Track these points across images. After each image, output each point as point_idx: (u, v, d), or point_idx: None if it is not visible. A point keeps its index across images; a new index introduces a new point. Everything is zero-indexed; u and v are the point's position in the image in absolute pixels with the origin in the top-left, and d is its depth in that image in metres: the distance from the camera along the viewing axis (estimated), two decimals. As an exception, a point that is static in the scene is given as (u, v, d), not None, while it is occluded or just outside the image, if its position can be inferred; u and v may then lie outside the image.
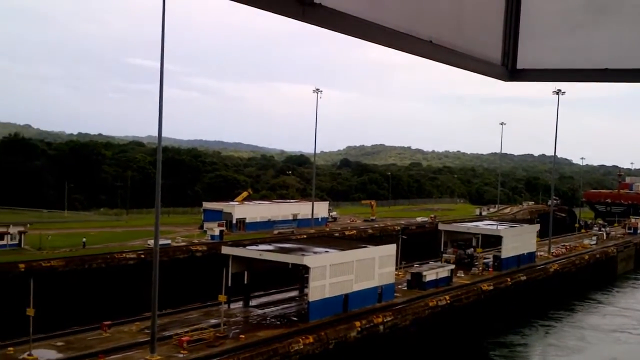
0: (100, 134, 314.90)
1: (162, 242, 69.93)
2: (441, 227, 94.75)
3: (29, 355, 43.40)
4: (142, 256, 76.07)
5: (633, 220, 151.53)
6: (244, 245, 66.15)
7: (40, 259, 71.56)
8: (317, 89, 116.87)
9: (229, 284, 57.55)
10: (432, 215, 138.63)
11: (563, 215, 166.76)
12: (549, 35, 4.47)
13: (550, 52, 4.47)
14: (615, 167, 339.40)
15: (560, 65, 4.41)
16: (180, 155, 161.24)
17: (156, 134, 50.47)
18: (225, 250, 61.04)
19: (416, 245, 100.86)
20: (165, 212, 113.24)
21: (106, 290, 68.84)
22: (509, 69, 4.54)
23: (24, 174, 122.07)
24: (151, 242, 66.61)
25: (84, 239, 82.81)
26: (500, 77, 4.52)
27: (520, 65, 4.54)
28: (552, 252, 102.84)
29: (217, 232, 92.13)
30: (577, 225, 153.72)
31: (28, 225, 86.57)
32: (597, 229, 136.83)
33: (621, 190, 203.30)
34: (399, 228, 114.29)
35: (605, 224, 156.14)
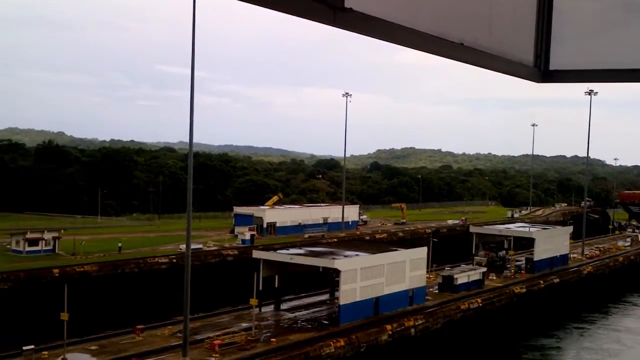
0: (132, 141, 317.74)
1: (193, 246, 70.32)
2: (472, 229, 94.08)
3: (62, 358, 43.93)
4: (174, 260, 76.58)
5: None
6: (275, 249, 66.24)
7: (74, 264, 72.37)
8: (347, 93, 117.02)
9: (260, 288, 57.79)
10: (463, 218, 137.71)
11: (596, 216, 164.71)
12: (581, 35, 4.44)
13: (582, 52, 4.44)
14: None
15: (593, 65, 4.38)
16: (211, 160, 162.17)
17: (187, 140, 50.85)
18: (256, 254, 61.24)
19: (447, 248, 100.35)
20: (197, 216, 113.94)
21: (139, 295, 69.40)
22: (542, 70, 4.52)
23: (58, 181, 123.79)
24: (183, 246, 67.07)
25: (120, 244, 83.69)
26: (532, 78, 4.50)
27: (552, 66, 4.52)
28: (586, 254, 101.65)
29: (248, 237, 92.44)
30: (610, 226, 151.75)
31: (62, 231, 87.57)
32: (630, 230, 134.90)
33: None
34: (429, 231, 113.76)
35: (639, 226, 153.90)
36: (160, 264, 77.00)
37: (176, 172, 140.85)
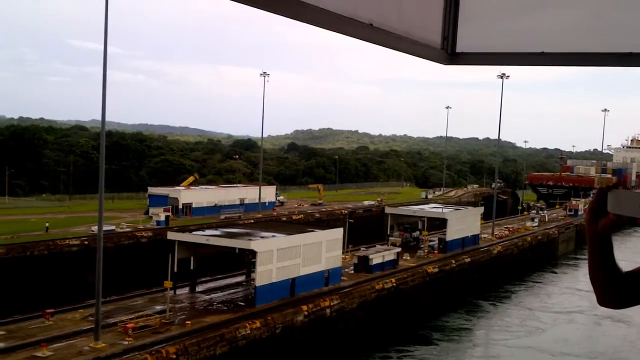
0: (42, 118, 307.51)
1: (106, 228, 68.87)
2: (388, 210, 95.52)
3: (-33, 345, 42.35)
4: (86, 242, 74.79)
5: (574, 203, 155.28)
6: (190, 231, 65.49)
7: (-21, 246, 69.76)
8: (264, 72, 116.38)
9: (175, 270, 57.12)
10: (379, 199, 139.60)
11: (504, 197, 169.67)
12: (487, 19, 4.45)
13: (488, 35, 4.45)
14: (557, 150, 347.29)
15: (499, 48, 4.40)
16: (124, 139, 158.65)
17: (99, 118, 49.55)
18: (171, 235, 60.38)
19: (363, 229, 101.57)
20: (110, 197, 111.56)
21: (49, 278, 67.56)
22: (449, 52, 4.51)
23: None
24: (95, 228, 65.50)
25: (47, 224, 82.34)
26: (440, 60, 4.48)
27: (459, 48, 4.51)
28: (496, 234, 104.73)
29: (162, 218, 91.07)
30: (519, 207, 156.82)
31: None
32: (534, 212, 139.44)
33: (563, 173, 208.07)
34: (346, 212, 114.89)
35: (543, 207, 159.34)
36: (71, 246, 75.03)
37: (88, 151, 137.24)
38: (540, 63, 4.30)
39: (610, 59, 4.15)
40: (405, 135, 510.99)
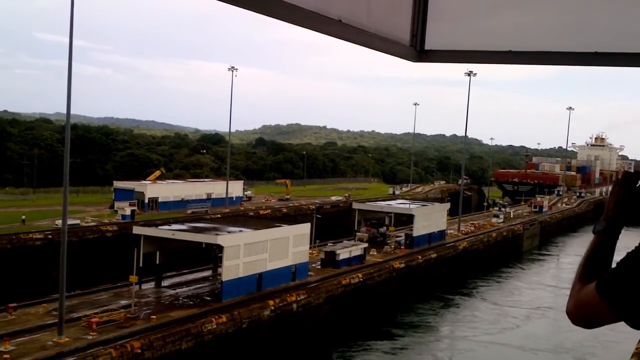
0: (5, 111, 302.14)
1: (70, 222, 68.04)
2: (355, 206, 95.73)
3: None
4: (50, 237, 73.83)
5: (538, 199, 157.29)
6: (156, 225, 64.96)
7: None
8: (233, 67, 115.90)
9: (141, 265, 56.68)
10: (347, 195, 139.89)
11: (470, 194, 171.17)
12: (456, 17, 4.48)
13: (457, 33, 4.48)
14: (523, 147, 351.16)
15: (467, 46, 4.43)
16: (90, 133, 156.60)
17: (64, 111, 48.89)
18: (137, 230, 59.87)
19: (330, 224, 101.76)
20: (74, 191, 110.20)
21: (11, 272, 66.54)
22: (417, 49, 4.53)
23: None
24: (59, 222, 64.68)
25: (24, 216, 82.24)
26: (408, 57, 4.50)
27: (428, 46, 4.54)
28: (462, 230, 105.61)
29: (128, 212, 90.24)
30: (485, 204, 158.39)
31: None
32: (497, 209, 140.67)
33: (528, 170, 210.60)
34: (313, 207, 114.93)
35: (505, 204, 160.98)
36: (34, 240, 74.04)
37: (53, 144, 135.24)
38: (508, 61, 4.34)
39: (577, 58, 4.20)
40: (373, 131, 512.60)
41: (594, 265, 3.01)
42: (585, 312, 2.89)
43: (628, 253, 2.77)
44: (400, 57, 4.46)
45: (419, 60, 4.53)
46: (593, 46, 4.12)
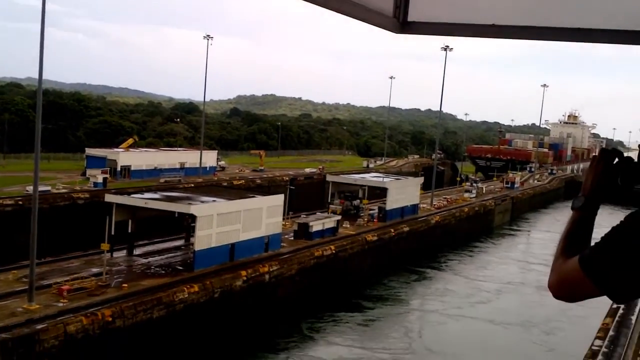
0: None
1: (41, 188, 67.34)
2: (329, 178, 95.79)
3: None
4: (20, 203, 73.09)
5: (511, 175, 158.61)
6: (129, 193, 64.51)
7: None
8: (208, 35, 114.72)
9: (112, 233, 56.34)
10: (321, 167, 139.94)
11: (444, 168, 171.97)
12: None
13: (440, 6, 4.44)
14: (496, 123, 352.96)
15: (450, 19, 4.38)
16: (62, 99, 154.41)
17: (36, 76, 48.08)
18: (109, 198, 59.42)
19: (304, 196, 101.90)
20: (46, 157, 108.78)
21: (-19, 238, 65.83)
22: (400, 21, 4.47)
23: None
24: (30, 188, 64.04)
25: None
26: (391, 28, 4.44)
27: (411, 17, 4.48)
28: (434, 205, 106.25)
29: (100, 180, 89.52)
30: (458, 179, 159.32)
31: None
32: (468, 184, 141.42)
33: (501, 146, 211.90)
34: (287, 179, 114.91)
35: (477, 180, 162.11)
36: (4, 207, 73.23)
37: (24, 109, 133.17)
38: (491, 35, 4.31)
39: (560, 33, 4.18)
40: (348, 104, 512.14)
41: (575, 240, 3.06)
42: (568, 286, 2.94)
43: (612, 228, 2.81)
44: (383, 28, 4.40)
45: (401, 31, 4.47)
46: (576, 22, 4.10)
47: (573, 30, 4.14)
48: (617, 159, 3.05)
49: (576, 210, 3.15)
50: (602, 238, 2.83)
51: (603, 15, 4.05)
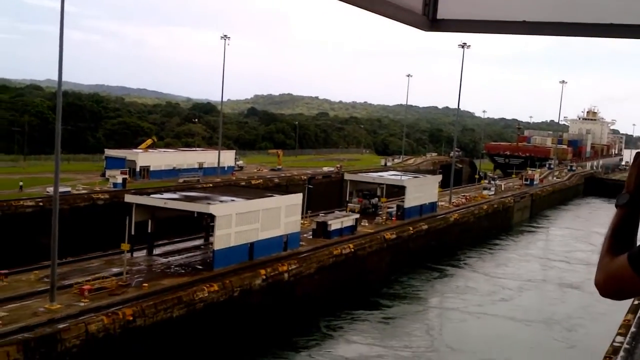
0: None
1: (62, 189, 67.75)
2: (347, 177, 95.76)
3: None
4: (41, 204, 73.67)
5: (530, 172, 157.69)
6: (148, 194, 64.82)
7: None
8: (225, 36, 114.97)
9: (132, 233, 56.65)
10: (338, 165, 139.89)
11: (462, 166, 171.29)
12: None
13: (470, 3, 4.41)
14: (515, 120, 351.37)
15: (480, 16, 4.36)
16: (81, 100, 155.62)
17: (55, 78, 48.42)
18: (129, 198, 59.78)
19: (322, 195, 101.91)
20: (65, 158, 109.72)
21: (3, 239, 66.40)
22: (430, 18, 4.45)
23: None
24: (50, 189, 64.49)
25: (21, 183, 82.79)
26: (420, 26, 4.43)
27: (440, 15, 4.46)
28: (453, 202, 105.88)
29: (119, 180, 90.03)
30: (476, 176, 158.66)
31: None
32: (487, 182, 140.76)
33: (519, 143, 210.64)
34: (305, 178, 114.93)
35: (496, 177, 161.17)
36: (25, 207, 73.87)
37: (43, 111, 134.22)
38: (522, 32, 4.28)
39: (592, 29, 4.14)
40: (365, 102, 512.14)
41: (621, 237, 3.04)
42: (616, 284, 2.93)
43: None
44: (413, 26, 4.39)
45: (430, 29, 4.45)
46: (608, 17, 4.07)
47: (604, 26, 4.11)
48: None
49: (620, 207, 3.10)
50: None
51: (637, 10, 4.02)
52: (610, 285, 2.96)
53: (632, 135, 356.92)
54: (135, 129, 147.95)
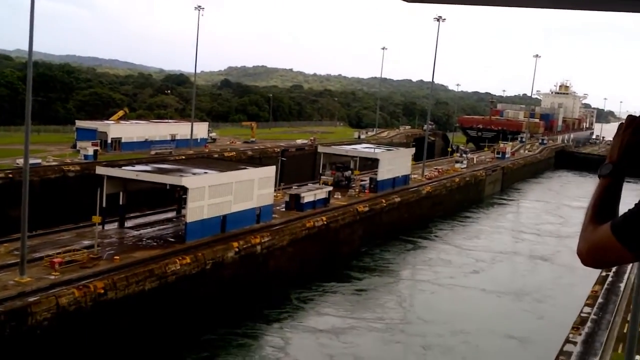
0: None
1: (32, 161, 66.87)
2: (320, 149, 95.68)
3: None
4: (10, 176, 72.73)
5: (501, 146, 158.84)
6: (120, 166, 64.25)
7: None
8: (199, 6, 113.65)
9: (104, 205, 56.22)
10: (312, 138, 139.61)
11: (434, 139, 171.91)
12: None
13: None
14: (487, 94, 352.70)
15: None
16: (51, 70, 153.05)
17: (25, 48, 47.60)
18: (100, 170, 59.21)
19: (295, 168, 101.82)
20: (35, 130, 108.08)
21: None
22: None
23: None
24: (20, 161, 63.66)
25: None
26: None
27: None
28: (426, 175, 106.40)
29: (90, 152, 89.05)
30: (449, 149, 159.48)
31: None
32: (458, 155, 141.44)
33: (492, 117, 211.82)
34: (278, 150, 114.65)
35: (467, 150, 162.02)
36: (-5, 179, 72.87)
37: (13, 81, 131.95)
38: (498, 4, 4.19)
39: (573, 1, 4.07)
40: (339, 75, 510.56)
41: (604, 207, 3.05)
42: (599, 253, 2.95)
43: None
44: None
45: (411, 0, 4.36)
46: None
47: None
48: None
49: (604, 177, 3.11)
50: (636, 205, 2.84)
51: None
52: (593, 254, 2.98)
53: (603, 110, 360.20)
54: (106, 100, 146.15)
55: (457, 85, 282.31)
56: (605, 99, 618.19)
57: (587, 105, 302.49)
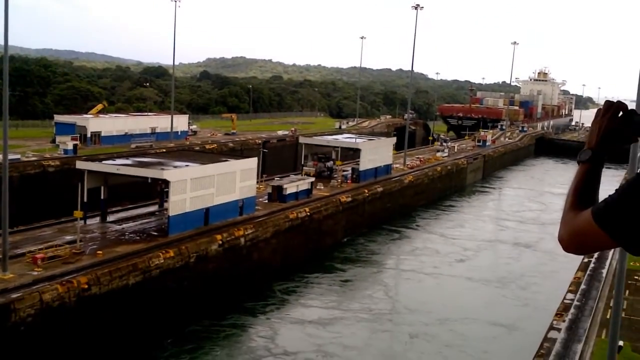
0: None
1: (11, 157, 66.10)
2: (302, 140, 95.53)
3: None
4: (-11, 172, 71.86)
5: (482, 134, 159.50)
6: (100, 160, 63.71)
7: None
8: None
9: (85, 200, 55.76)
10: (293, 129, 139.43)
11: (415, 128, 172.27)
12: None
13: None
14: (467, 82, 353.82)
15: None
16: (28, 65, 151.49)
17: (1, 42, 46.90)
18: (80, 164, 58.65)
19: (277, 159, 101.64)
20: (14, 125, 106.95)
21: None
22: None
23: None
24: (-1, 156, 62.90)
25: None
26: None
27: None
28: (407, 164, 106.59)
29: (70, 146, 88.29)
30: (430, 138, 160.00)
31: None
32: (439, 144, 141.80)
33: (472, 105, 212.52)
34: (259, 142, 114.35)
35: (448, 139, 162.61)
36: (-27, 175, 71.97)
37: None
38: None
39: None
40: (319, 65, 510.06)
41: (584, 193, 3.08)
42: (581, 239, 2.96)
43: (626, 181, 2.81)
44: None
45: None
46: None
47: None
48: (621, 111, 3.02)
49: (583, 163, 3.12)
50: (616, 191, 2.81)
51: None
52: (574, 240, 2.99)
53: (582, 96, 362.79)
54: (85, 93, 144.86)
55: (437, 73, 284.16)
56: (583, 85, 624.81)
57: (565, 92, 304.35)
